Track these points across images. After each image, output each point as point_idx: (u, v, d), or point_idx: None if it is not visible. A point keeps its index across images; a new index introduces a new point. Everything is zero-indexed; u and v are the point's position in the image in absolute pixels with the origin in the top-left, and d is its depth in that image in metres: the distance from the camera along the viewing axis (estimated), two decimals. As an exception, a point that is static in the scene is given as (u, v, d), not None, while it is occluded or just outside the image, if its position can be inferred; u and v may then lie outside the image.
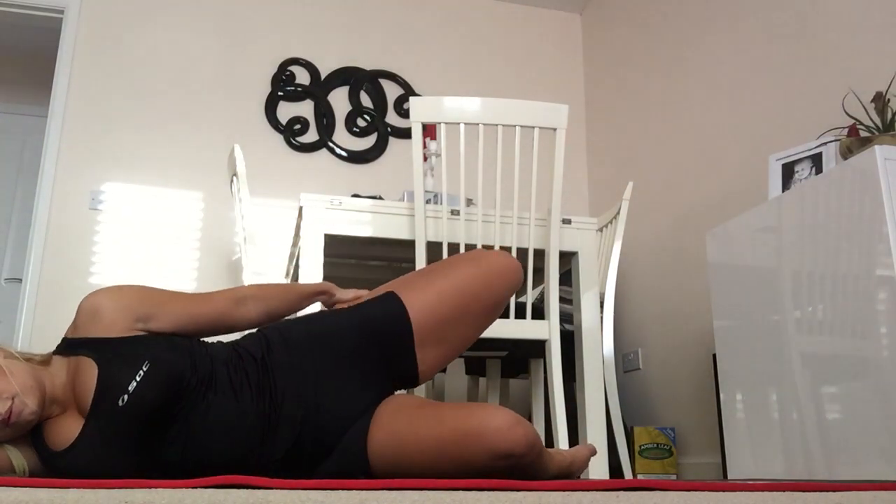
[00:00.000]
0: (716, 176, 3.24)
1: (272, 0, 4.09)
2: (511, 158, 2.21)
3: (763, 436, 2.12)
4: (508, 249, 2.13)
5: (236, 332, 1.44)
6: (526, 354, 2.68)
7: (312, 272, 2.06)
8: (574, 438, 2.58)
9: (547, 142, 2.16)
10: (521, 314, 2.14)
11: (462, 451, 1.16)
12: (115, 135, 3.67)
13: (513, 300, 2.12)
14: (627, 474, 2.83)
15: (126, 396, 1.20)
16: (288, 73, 4.00)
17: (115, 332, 1.26)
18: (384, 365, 1.38)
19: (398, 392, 1.43)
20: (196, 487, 0.83)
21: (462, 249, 2.08)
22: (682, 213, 3.47)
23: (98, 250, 3.52)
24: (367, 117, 4.07)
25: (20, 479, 1.17)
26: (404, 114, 4.11)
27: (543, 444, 1.25)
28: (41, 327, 3.35)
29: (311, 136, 3.96)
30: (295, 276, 2.31)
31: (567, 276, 2.33)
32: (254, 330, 1.44)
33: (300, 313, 1.57)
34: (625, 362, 3.79)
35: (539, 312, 2.17)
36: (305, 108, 4.00)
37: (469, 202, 2.31)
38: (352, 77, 4.10)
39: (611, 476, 2.50)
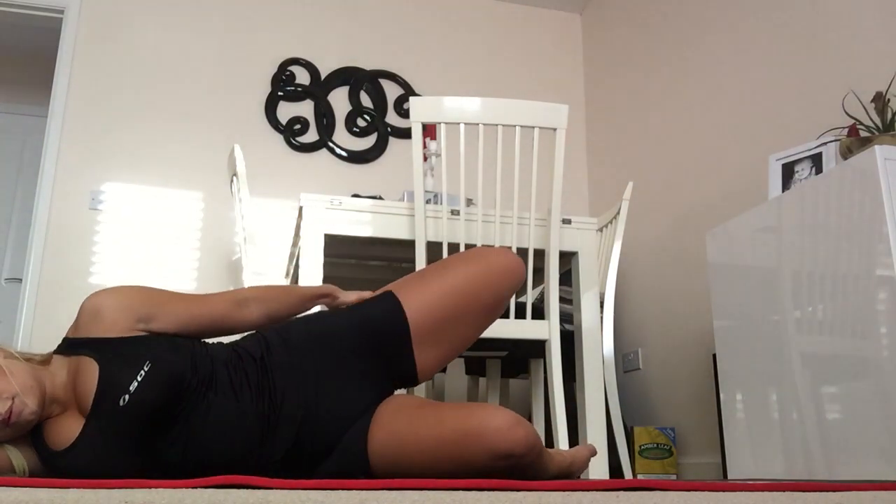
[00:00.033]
0: (716, 176, 3.24)
1: (272, 0, 4.09)
2: (511, 158, 2.21)
3: (763, 436, 2.12)
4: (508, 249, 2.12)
5: (238, 333, 1.44)
6: (526, 354, 2.68)
7: (312, 272, 2.06)
8: (574, 438, 2.58)
9: (547, 142, 2.16)
10: (521, 314, 2.14)
11: (462, 452, 1.16)
12: (115, 135, 3.67)
13: (513, 300, 2.12)
14: (627, 474, 2.83)
15: (127, 396, 1.20)
16: (288, 73, 4.00)
17: (117, 333, 1.27)
18: (383, 365, 1.38)
19: (398, 392, 1.43)
20: (196, 487, 0.83)
21: (462, 249, 2.08)
22: (682, 213, 3.47)
23: (98, 250, 3.52)
24: (367, 117, 4.07)
25: (20, 479, 1.17)
26: (404, 114, 4.11)
27: (543, 444, 1.25)
28: (41, 327, 3.35)
29: (311, 136, 3.96)
30: (295, 276, 2.31)
31: (567, 276, 2.33)
32: (253, 331, 1.44)
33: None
34: (625, 362, 3.79)
35: (539, 312, 2.17)
36: (305, 108, 4.00)
37: (469, 202, 2.31)
38: (352, 77, 4.10)
39: (611, 476, 2.50)
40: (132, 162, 3.66)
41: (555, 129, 2.12)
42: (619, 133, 4.11)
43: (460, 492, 0.82)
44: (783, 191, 2.32)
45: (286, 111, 3.96)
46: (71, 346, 1.29)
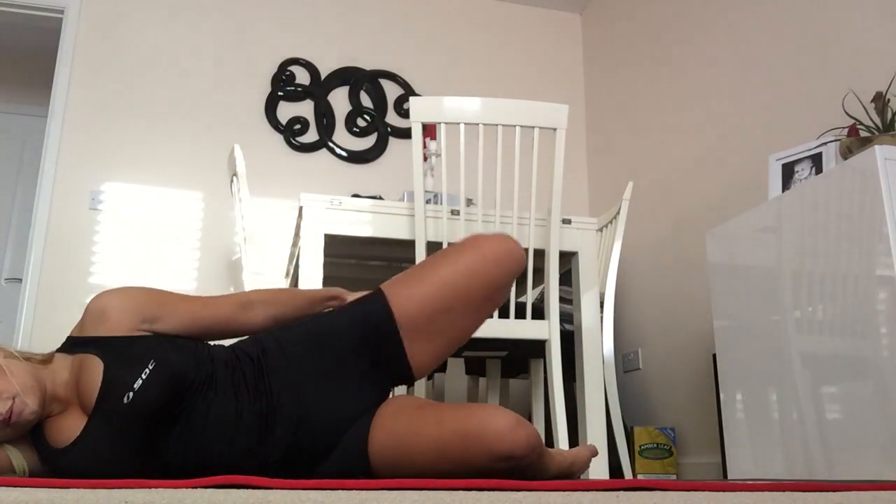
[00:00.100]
0: (716, 176, 3.24)
1: (272, 0, 4.09)
2: (511, 158, 2.21)
3: (763, 436, 2.12)
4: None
5: (242, 335, 1.45)
6: (526, 354, 2.68)
7: (312, 272, 2.06)
8: (574, 438, 2.58)
9: (547, 142, 2.16)
10: (521, 314, 2.14)
11: (462, 453, 1.16)
12: (115, 135, 3.67)
13: (513, 300, 2.12)
14: (627, 474, 2.83)
15: (131, 394, 1.20)
16: (288, 73, 4.00)
17: (121, 333, 1.27)
18: (377, 364, 1.37)
19: (399, 393, 1.43)
20: (196, 487, 0.83)
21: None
22: (682, 213, 3.47)
23: (98, 250, 3.52)
24: (367, 117, 4.07)
25: (20, 479, 1.17)
26: (404, 114, 4.11)
27: (544, 444, 1.25)
28: (41, 327, 3.35)
29: (311, 136, 3.96)
30: (295, 276, 2.31)
31: (567, 276, 2.33)
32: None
33: None
34: (625, 362, 3.79)
35: (539, 312, 2.17)
36: (305, 108, 4.00)
37: (469, 202, 2.31)
38: (352, 77, 4.10)
39: (611, 476, 2.50)
40: (132, 162, 3.66)
41: (555, 129, 2.12)
42: (619, 133, 4.11)
43: (460, 492, 0.82)
44: (783, 191, 2.32)
45: (286, 111, 3.96)
46: (75, 344, 1.30)
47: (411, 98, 2.11)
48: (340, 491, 0.80)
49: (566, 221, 2.27)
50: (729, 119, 3.20)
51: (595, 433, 2.13)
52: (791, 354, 2.04)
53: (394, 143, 4.07)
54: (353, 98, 4.07)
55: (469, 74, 4.31)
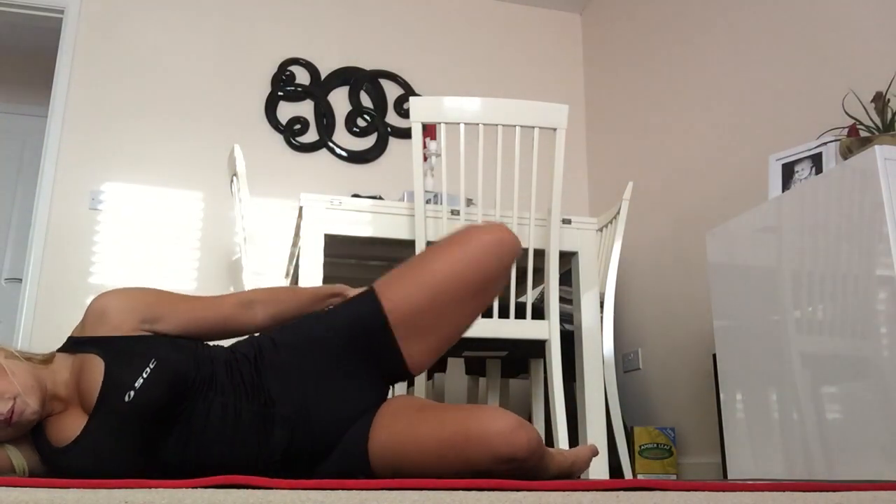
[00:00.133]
0: (716, 176, 3.24)
1: (272, 0, 4.09)
2: (511, 158, 2.21)
3: (763, 436, 2.12)
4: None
5: (243, 335, 1.45)
6: (526, 354, 2.68)
7: (312, 272, 2.06)
8: (574, 438, 2.58)
9: (547, 142, 2.16)
10: (521, 314, 2.14)
11: (463, 455, 1.15)
12: (115, 135, 3.67)
13: (513, 300, 2.12)
14: (627, 474, 2.83)
15: (132, 393, 1.21)
16: (288, 73, 4.00)
17: (121, 333, 1.28)
18: (373, 363, 1.37)
19: (399, 393, 1.43)
20: (196, 487, 0.83)
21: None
22: (682, 213, 3.47)
23: (98, 250, 3.52)
24: (367, 117, 4.07)
25: (20, 479, 1.17)
26: (404, 114, 4.11)
27: (545, 445, 1.25)
28: (41, 327, 3.35)
29: (311, 136, 3.96)
30: (295, 276, 2.31)
31: (567, 276, 2.33)
32: (248, 336, 1.44)
33: None
34: (625, 362, 3.79)
35: (539, 312, 2.17)
36: (305, 108, 4.00)
37: (469, 202, 2.31)
38: (352, 77, 4.10)
39: (611, 476, 2.50)
40: (132, 162, 3.66)
41: (555, 129, 2.12)
42: (619, 133, 4.11)
43: (460, 492, 0.82)
44: (783, 191, 2.32)
45: (286, 111, 3.96)
46: (76, 344, 1.30)
47: (411, 98, 2.11)
48: (340, 491, 0.80)
49: (566, 221, 2.27)
50: (729, 119, 3.20)
51: (595, 433, 2.13)
52: (791, 354, 2.04)
53: (394, 143, 4.07)
54: (353, 98, 4.07)
55: (469, 74, 4.31)
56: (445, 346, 1.42)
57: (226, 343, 1.43)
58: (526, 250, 2.15)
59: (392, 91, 4.15)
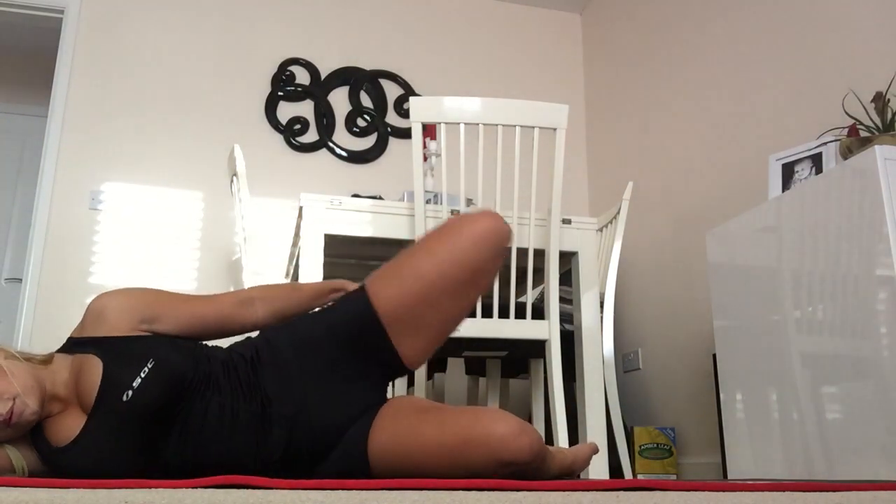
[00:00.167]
0: (716, 176, 3.24)
1: (272, 0, 4.09)
2: (511, 158, 2.21)
3: (763, 436, 2.12)
4: (508, 249, 2.12)
5: (244, 333, 1.45)
6: (526, 354, 2.67)
7: (312, 272, 2.06)
8: (574, 438, 2.58)
9: (547, 142, 2.16)
10: (521, 314, 2.14)
11: (465, 458, 1.15)
12: (115, 135, 3.67)
13: (513, 300, 2.12)
14: (627, 474, 2.83)
15: (130, 392, 1.21)
16: (288, 73, 4.00)
17: (120, 333, 1.28)
18: (369, 361, 1.36)
19: (399, 393, 1.42)
20: (196, 487, 0.83)
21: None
22: (682, 213, 3.47)
23: (98, 250, 3.52)
24: (367, 117, 4.07)
25: (20, 479, 1.17)
26: (404, 114, 4.11)
27: (546, 448, 1.24)
28: (41, 327, 3.35)
29: (311, 136, 3.96)
30: (295, 277, 2.31)
31: (567, 276, 2.33)
32: (245, 338, 1.44)
33: None
34: (625, 362, 3.79)
35: (539, 312, 2.17)
36: (305, 108, 4.00)
37: (469, 202, 2.31)
38: (352, 77, 4.10)
39: (611, 476, 2.50)
40: (132, 162, 3.66)
41: (555, 129, 2.12)
42: (619, 133, 4.11)
43: (460, 492, 0.82)
44: (783, 191, 2.32)
45: (286, 111, 3.95)
46: (75, 344, 1.30)
47: (411, 98, 2.11)
48: (340, 491, 0.80)
49: (566, 221, 2.27)
50: (729, 119, 3.20)
51: (595, 433, 2.13)
52: (791, 354, 2.04)
53: (394, 143, 4.07)
54: (353, 98, 4.07)
55: (469, 74, 4.30)
56: (441, 338, 1.41)
57: (224, 344, 1.43)
58: (526, 250, 2.15)
59: (392, 91, 4.15)
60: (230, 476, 0.90)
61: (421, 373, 2.10)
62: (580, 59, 4.59)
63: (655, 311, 3.60)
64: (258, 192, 3.74)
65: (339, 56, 4.12)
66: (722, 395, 2.33)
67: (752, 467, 2.16)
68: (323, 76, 4.05)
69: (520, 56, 4.44)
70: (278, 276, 3.67)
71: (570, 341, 2.29)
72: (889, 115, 2.11)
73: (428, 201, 2.25)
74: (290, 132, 3.92)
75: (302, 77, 4.02)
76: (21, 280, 3.64)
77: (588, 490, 0.86)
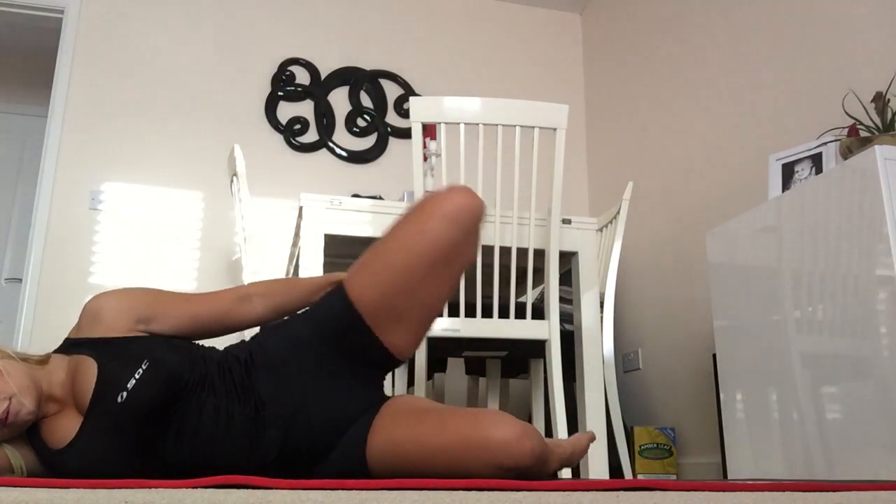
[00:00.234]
0: (716, 176, 3.24)
1: (272, 0, 4.09)
2: (511, 158, 2.21)
3: (763, 436, 2.12)
4: (508, 249, 2.13)
5: (243, 330, 1.44)
6: (526, 354, 2.67)
7: (312, 272, 2.06)
8: (574, 438, 2.58)
9: (547, 142, 2.16)
10: (521, 314, 2.14)
11: (465, 462, 1.14)
12: (115, 135, 3.67)
13: (513, 300, 2.12)
14: (627, 474, 2.83)
15: (125, 394, 1.20)
16: (288, 73, 4.00)
17: (116, 333, 1.28)
18: (359, 357, 1.35)
19: (399, 392, 1.42)
20: (196, 487, 0.83)
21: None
22: (682, 213, 3.47)
23: (98, 250, 3.52)
24: (367, 117, 4.07)
25: (20, 479, 1.17)
26: (404, 114, 4.11)
27: (547, 448, 1.22)
28: (41, 327, 3.35)
29: (311, 136, 3.96)
30: (295, 276, 2.31)
31: (567, 276, 2.33)
32: (237, 340, 1.44)
33: None
34: (625, 362, 3.79)
35: (539, 312, 2.17)
36: (305, 108, 4.00)
37: (469, 202, 2.30)
38: (352, 77, 4.10)
39: (611, 476, 2.50)
40: (132, 162, 3.66)
41: (555, 129, 2.12)
42: (619, 133, 4.11)
43: (460, 492, 0.82)
44: (783, 191, 2.32)
45: (286, 111, 3.95)
46: (71, 345, 1.30)
47: (411, 98, 2.10)
48: (340, 491, 0.80)
49: (566, 221, 2.27)
50: (729, 119, 3.20)
51: (595, 433, 2.13)
52: (791, 354, 2.04)
53: (394, 143, 4.07)
54: (353, 98, 4.07)
55: (469, 74, 4.30)
56: (427, 323, 1.38)
57: (221, 345, 1.43)
58: (526, 250, 2.14)
59: (392, 91, 4.15)
60: (230, 476, 0.90)
61: (421, 373, 2.10)
62: (580, 59, 4.59)
63: (655, 311, 3.60)
64: (258, 192, 3.74)
65: (339, 56, 4.12)
66: (722, 395, 2.33)
67: (752, 467, 2.16)
68: (323, 76, 4.05)
69: (520, 56, 4.44)
70: (278, 276, 3.67)
71: (570, 341, 2.29)
72: (889, 115, 2.11)
73: (428, 201, 2.25)
74: (290, 132, 3.92)
75: (302, 77, 4.02)
76: (21, 280, 3.64)
77: (588, 490, 0.86)
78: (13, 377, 1.21)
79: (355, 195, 2.62)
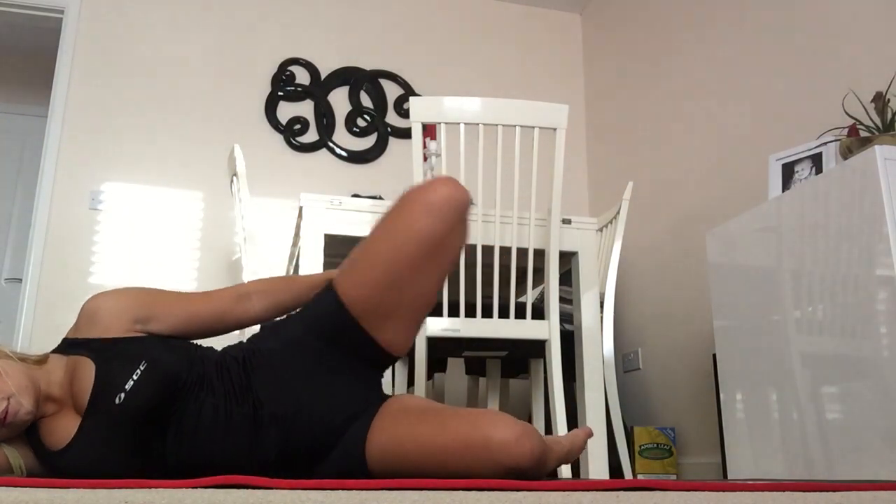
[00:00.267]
0: (716, 176, 3.24)
1: (272, 0, 4.09)
2: (511, 158, 2.21)
3: (763, 436, 2.12)
4: (508, 249, 2.13)
5: (242, 328, 1.44)
6: (526, 354, 2.67)
7: (312, 272, 2.06)
8: (574, 438, 2.58)
9: (547, 142, 2.16)
10: (521, 314, 2.14)
11: (465, 463, 1.14)
12: (115, 135, 3.67)
13: (513, 300, 2.12)
14: (627, 474, 2.83)
15: (123, 395, 1.20)
16: (288, 73, 4.00)
17: (114, 334, 1.27)
18: (354, 355, 1.35)
19: (399, 392, 1.42)
20: (196, 487, 0.83)
21: (462, 250, 2.07)
22: (682, 213, 3.46)
23: (98, 250, 3.52)
24: (367, 117, 4.07)
25: (20, 479, 1.17)
26: (404, 114, 4.11)
27: (547, 449, 1.22)
28: (41, 327, 3.35)
29: (311, 136, 3.96)
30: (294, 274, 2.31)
31: (567, 276, 2.33)
32: (235, 341, 1.44)
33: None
34: (625, 362, 3.79)
35: (539, 312, 2.17)
36: (305, 108, 4.00)
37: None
38: (352, 77, 4.10)
39: (611, 476, 2.50)
40: (132, 162, 3.66)
41: (555, 129, 2.12)
42: (619, 133, 4.11)
43: (460, 492, 0.82)
44: (783, 191, 2.32)
45: (286, 111, 3.95)
46: (69, 346, 1.30)
47: (411, 98, 2.10)
48: (340, 491, 0.80)
49: (566, 221, 2.27)
50: (729, 119, 3.20)
51: (595, 433, 2.13)
52: (791, 354, 2.04)
53: (394, 143, 4.07)
54: (353, 98, 4.07)
55: (469, 74, 4.30)
56: (419, 318, 1.37)
57: (219, 347, 1.43)
58: (526, 250, 2.14)
59: (392, 91, 4.15)
60: (230, 476, 0.90)
61: (421, 373, 2.10)
62: (580, 59, 4.59)
63: (655, 311, 3.60)
64: (258, 192, 3.74)
65: (339, 56, 4.12)
66: (722, 395, 2.33)
67: (752, 467, 2.16)
68: (323, 76, 4.05)
69: (520, 56, 4.44)
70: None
71: (570, 341, 2.29)
72: (889, 115, 2.11)
73: (428, 201, 2.25)
74: (290, 132, 3.92)
75: (302, 77, 4.02)
76: (21, 280, 3.64)
77: (588, 490, 0.86)
78: (12, 377, 1.21)
79: (355, 195, 2.62)
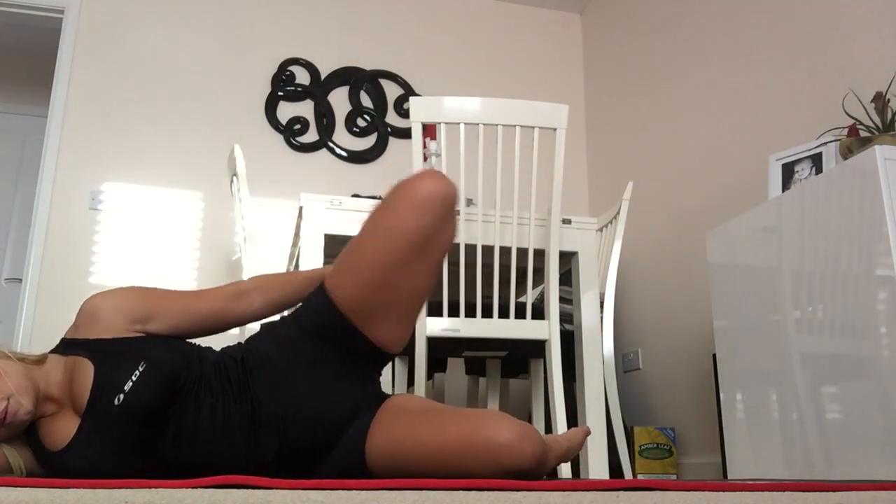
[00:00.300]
0: (716, 176, 3.24)
1: (272, 0, 4.09)
2: (511, 158, 2.21)
3: (763, 436, 2.12)
4: (508, 249, 2.13)
5: (241, 326, 1.44)
6: (526, 354, 2.67)
7: (312, 272, 2.06)
8: (574, 438, 2.58)
9: (547, 142, 2.16)
10: (521, 314, 2.14)
11: (466, 464, 1.14)
12: (115, 135, 3.67)
13: (513, 300, 2.12)
14: (627, 474, 2.83)
15: (122, 395, 1.20)
16: (288, 73, 4.00)
17: (112, 334, 1.27)
18: (349, 354, 1.35)
19: (399, 391, 1.42)
20: (196, 487, 0.83)
21: (462, 250, 2.08)
22: (682, 213, 3.46)
23: (98, 250, 3.52)
24: (367, 117, 4.07)
25: (20, 479, 1.17)
26: (404, 114, 4.11)
27: (547, 449, 1.22)
28: (41, 327, 3.35)
29: (311, 136, 3.96)
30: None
31: (567, 276, 2.33)
32: (234, 342, 1.44)
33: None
34: (625, 362, 3.79)
35: (539, 312, 2.17)
36: (305, 108, 4.00)
37: (469, 202, 2.31)
38: (352, 77, 4.10)
39: (611, 476, 2.50)
40: (132, 162, 3.66)
41: (555, 129, 2.12)
42: (619, 133, 4.11)
43: (460, 492, 0.82)
44: (783, 191, 2.32)
45: (286, 111, 3.95)
46: (68, 346, 1.30)
47: (411, 98, 2.10)
48: (340, 491, 0.80)
49: (566, 221, 2.27)
50: (729, 119, 3.20)
51: (595, 433, 2.13)
52: (791, 354, 2.04)
53: (394, 143, 4.07)
54: (353, 98, 4.07)
55: (469, 74, 4.30)
56: (413, 314, 1.36)
57: (218, 347, 1.43)
58: (526, 250, 2.14)
59: (392, 91, 4.15)
60: (230, 476, 0.90)
61: (421, 373, 2.10)
62: (580, 59, 4.59)
63: (655, 311, 3.60)
64: (258, 192, 3.74)
65: (339, 56, 4.12)
66: (722, 395, 2.33)
67: (752, 467, 2.16)
68: (323, 76, 4.05)
69: (520, 56, 4.44)
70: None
71: (570, 341, 2.29)
72: (889, 115, 2.11)
73: (428, 201, 2.24)
74: (290, 132, 3.92)
75: (302, 77, 4.02)
76: (21, 280, 3.64)
77: (588, 490, 0.86)
78: (11, 377, 1.21)
79: (355, 195, 2.62)
